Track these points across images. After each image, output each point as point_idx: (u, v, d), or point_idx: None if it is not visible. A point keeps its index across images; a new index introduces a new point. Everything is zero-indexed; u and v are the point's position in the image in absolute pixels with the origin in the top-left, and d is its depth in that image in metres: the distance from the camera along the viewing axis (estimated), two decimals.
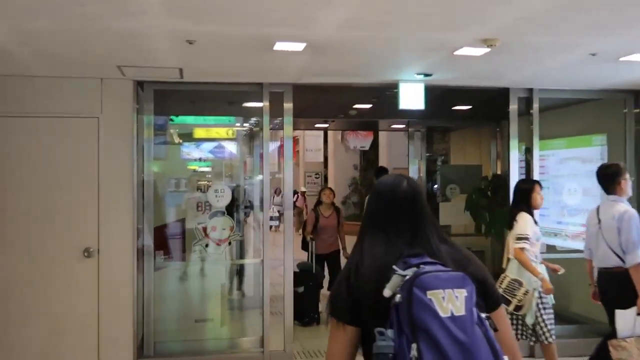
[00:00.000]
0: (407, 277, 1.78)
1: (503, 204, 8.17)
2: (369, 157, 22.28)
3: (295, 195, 21.41)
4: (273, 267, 6.50)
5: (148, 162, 6.20)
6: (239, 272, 7.78)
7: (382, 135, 18.12)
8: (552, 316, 5.30)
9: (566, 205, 7.33)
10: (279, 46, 4.66)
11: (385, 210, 2.07)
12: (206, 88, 6.28)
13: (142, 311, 6.16)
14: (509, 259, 5.40)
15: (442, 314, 1.71)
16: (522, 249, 5.15)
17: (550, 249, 7.04)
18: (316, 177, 25.68)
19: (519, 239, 5.18)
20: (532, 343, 5.58)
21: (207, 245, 6.39)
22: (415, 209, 2.06)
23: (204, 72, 5.82)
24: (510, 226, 5.40)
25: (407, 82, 6.17)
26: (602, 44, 4.73)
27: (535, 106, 6.64)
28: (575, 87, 6.64)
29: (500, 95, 7.19)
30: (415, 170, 9.85)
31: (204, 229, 6.37)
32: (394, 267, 1.84)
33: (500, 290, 5.28)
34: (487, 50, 4.79)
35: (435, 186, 10.87)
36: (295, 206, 21.32)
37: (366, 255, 2.01)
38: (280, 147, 18.97)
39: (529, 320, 5.21)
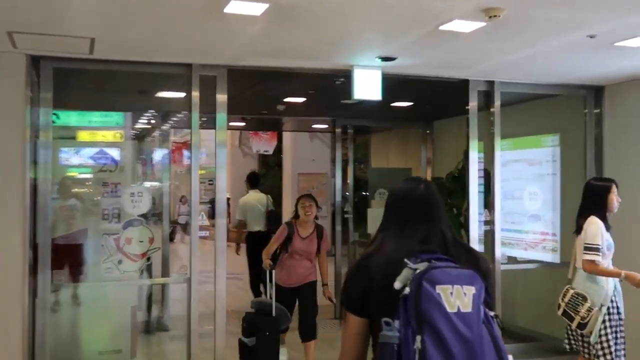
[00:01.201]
0: (418, 270, 1.82)
1: (447, 209, 7.54)
2: (269, 162, 21.33)
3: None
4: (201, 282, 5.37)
5: (45, 164, 4.95)
6: (157, 292, 6.57)
7: (287, 139, 17.20)
8: (617, 332, 4.50)
9: (517, 212, 6.75)
10: (233, 7, 3.63)
11: (402, 210, 2.12)
12: (119, 68, 5.09)
13: (33, 343, 4.87)
14: (575, 269, 4.67)
15: (448, 309, 1.75)
16: (592, 261, 4.40)
17: (511, 260, 6.44)
18: (209, 184, 24.30)
19: (588, 249, 4.42)
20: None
21: (120, 262, 5.19)
22: (432, 210, 2.10)
23: (122, 47, 4.68)
24: (578, 232, 4.65)
25: (363, 68, 5.31)
26: (604, 25, 4.10)
27: (497, 100, 5.98)
28: (538, 81, 6.06)
29: (444, 91, 6.56)
30: (340, 175, 8.98)
31: (116, 242, 5.17)
32: (406, 260, 1.88)
33: (562, 305, 4.54)
34: (479, 25, 4.01)
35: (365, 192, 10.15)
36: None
37: (380, 249, 2.08)
38: (173, 152, 17.57)
39: (593, 340, 4.44)
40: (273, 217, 8.97)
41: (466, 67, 5.48)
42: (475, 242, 5.93)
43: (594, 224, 4.51)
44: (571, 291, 4.55)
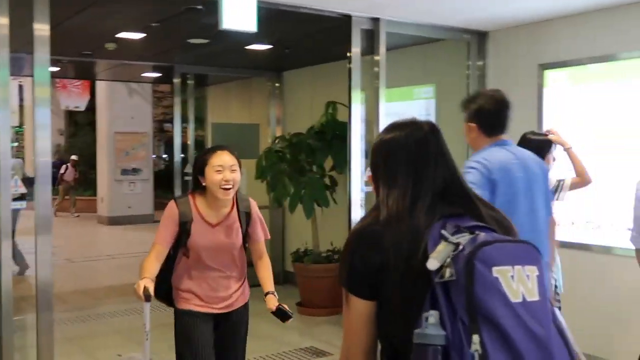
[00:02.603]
0: (462, 246, 1.40)
1: (309, 169, 6.66)
2: (78, 119, 19.06)
3: (64, 166, 17.05)
4: None
5: None
6: None
7: (101, 94, 15.27)
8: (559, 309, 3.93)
9: None
10: None
11: (410, 164, 1.63)
12: None
13: None
14: None
15: (512, 299, 1.35)
16: None
17: None
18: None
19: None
20: None
21: None
22: (446, 160, 1.66)
23: None
24: None
25: None
26: None
27: (383, 43, 5.11)
28: (423, 21, 5.30)
29: (317, 32, 5.65)
30: (179, 133, 7.70)
31: None
32: (443, 232, 1.46)
33: None
34: None
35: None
36: (61, 181, 16.95)
37: (389, 212, 1.59)
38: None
39: None
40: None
41: None
42: (358, 207, 5.10)
43: None
44: None
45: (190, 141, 7.97)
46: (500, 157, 2.84)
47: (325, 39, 6.08)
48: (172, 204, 3.17)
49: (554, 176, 3.88)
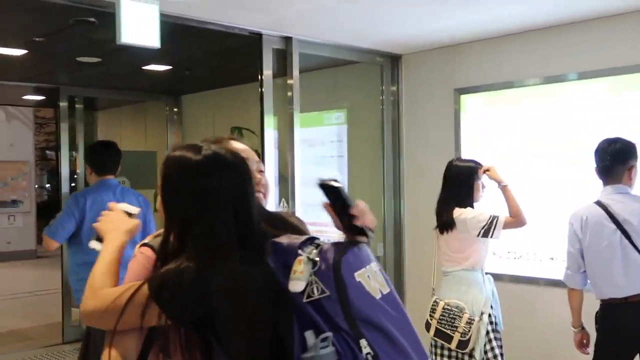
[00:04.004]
0: (318, 260, 1.42)
1: None
2: None
3: None
4: None
5: None
6: None
7: None
8: (502, 348, 3.61)
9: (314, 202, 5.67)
10: None
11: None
12: None
13: None
14: (440, 275, 3.69)
15: (376, 297, 1.43)
16: None
17: None
18: None
19: (490, 224, 3.51)
20: None
21: None
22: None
23: None
24: (445, 227, 3.68)
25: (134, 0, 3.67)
26: None
27: (296, 63, 4.76)
28: (338, 42, 5.01)
29: (223, 51, 5.27)
30: (66, 162, 6.97)
31: None
32: (300, 252, 1.43)
33: (434, 323, 3.38)
34: None
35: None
36: None
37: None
38: None
39: (479, 358, 3.42)
40: None
41: (260, 12, 4.15)
42: None
43: (463, 212, 3.59)
44: (441, 303, 3.56)
45: (80, 170, 7.24)
46: None
47: (230, 60, 5.68)
48: (142, 255, 1.65)
49: (486, 210, 3.64)
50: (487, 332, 3.49)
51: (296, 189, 4.75)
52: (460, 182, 3.68)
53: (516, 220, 3.58)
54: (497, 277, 4.20)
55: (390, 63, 5.52)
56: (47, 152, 17.61)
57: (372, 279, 1.44)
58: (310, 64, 5.33)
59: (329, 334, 1.38)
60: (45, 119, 15.66)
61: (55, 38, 4.62)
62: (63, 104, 6.84)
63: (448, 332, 3.46)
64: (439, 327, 3.51)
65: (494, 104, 4.95)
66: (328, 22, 4.42)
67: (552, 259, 4.59)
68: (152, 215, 4.35)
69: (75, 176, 7.41)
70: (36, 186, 15.71)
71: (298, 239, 1.48)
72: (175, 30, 4.30)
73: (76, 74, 6.19)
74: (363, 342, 1.38)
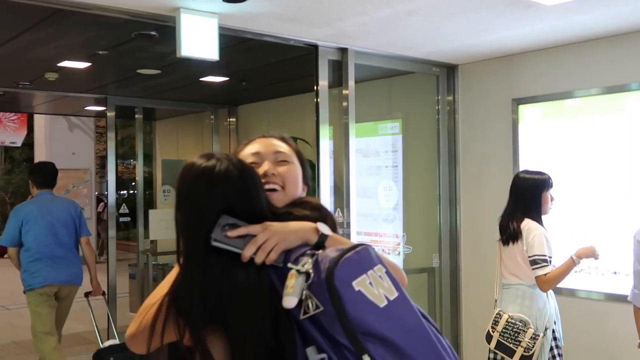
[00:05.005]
0: (312, 273, 1.31)
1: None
2: (15, 155, 18.13)
3: (102, 204, 15.38)
4: None
5: None
6: None
7: (39, 128, 14.52)
8: None
9: (370, 212, 5.67)
10: None
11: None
12: None
13: None
14: (501, 287, 3.65)
15: (380, 305, 1.29)
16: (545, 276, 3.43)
17: None
18: None
19: (536, 262, 3.39)
20: None
21: None
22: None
23: None
24: (510, 239, 3.63)
25: (194, 13, 3.75)
26: None
27: (351, 73, 4.78)
28: (394, 53, 5.00)
29: (279, 63, 5.31)
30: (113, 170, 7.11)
31: None
32: (290, 264, 1.35)
33: (495, 335, 3.35)
34: None
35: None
36: (101, 220, 15.29)
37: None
38: None
39: None
40: None
41: (317, 26, 4.19)
42: None
43: (534, 230, 3.52)
44: (505, 316, 3.51)
45: (139, 177, 7.42)
46: None
47: (286, 71, 5.73)
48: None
49: (548, 248, 3.56)
50: (551, 348, 3.43)
51: (351, 198, 4.75)
52: (528, 195, 3.64)
53: (549, 284, 3.51)
54: (557, 291, 4.13)
55: (447, 73, 5.48)
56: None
57: (375, 285, 1.31)
58: (365, 74, 5.34)
59: (321, 356, 1.30)
60: (105, 127, 16.11)
61: (118, 51, 4.76)
62: (110, 114, 6.97)
63: (511, 345, 3.41)
64: (501, 339, 3.45)
65: (552, 114, 4.85)
66: (385, 33, 4.42)
67: (616, 273, 4.46)
68: (84, 219, 5.56)
69: (134, 183, 7.59)
70: (96, 193, 16.14)
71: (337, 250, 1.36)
72: (232, 42, 4.39)
73: (136, 85, 6.35)
74: (365, 358, 1.27)
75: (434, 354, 1.30)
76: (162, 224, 7.08)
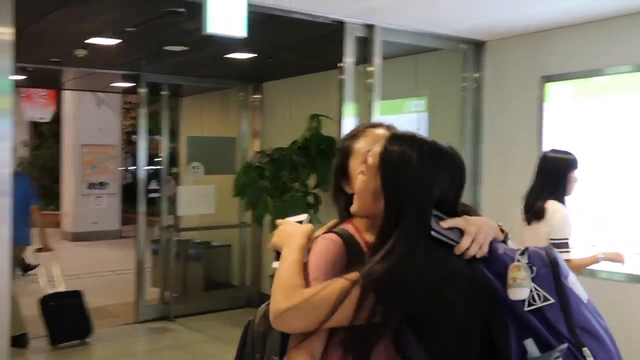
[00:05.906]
0: (534, 265, 1.35)
1: (291, 186, 6.28)
2: (43, 130, 18.33)
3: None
4: None
5: None
6: None
7: (67, 104, 14.68)
8: None
9: None
10: None
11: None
12: None
13: None
14: None
15: (584, 301, 1.38)
16: (568, 261, 3.25)
17: None
18: None
19: (557, 245, 3.33)
20: None
21: None
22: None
23: None
24: (535, 217, 3.59)
25: None
26: None
27: (378, 51, 4.77)
28: (421, 29, 4.97)
29: (305, 41, 5.30)
30: (144, 146, 7.19)
31: None
32: (518, 257, 1.37)
33: None
34: None
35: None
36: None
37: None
38: None
39: None
40: None
41: (345, 2, 4.17)
42: None
43: (559, 211, 3.51)
44: None
45: (164, 154, 7.50)
46: None
47: (312, 48, 5.72)
48: (330, 240, 1.58)
49: (570, 228, 3.55)
50: None
51: None
52: (555, 174, 3.61)
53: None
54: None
55: (474, 50, 5.42)
56: (133, 136, 18.31)
57: (577, 284, 1.41)
58: (390, 51, 5.32)
59: (565, 345, 1.32)
60: (132, 104, 16.24)
61: (146, 28, 4.79)
62: (142, 90, 7.02)
63: None
64: None
65: (582, 92, 4.79)
66: (413, 9, 4.40)
67: (639, 254, 4.43)
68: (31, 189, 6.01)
69: (157, 159, 7.66)
70: (122, 169, 16.34)
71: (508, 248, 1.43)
72: (259, 19, 4.39)
73: (162, 62, 6.39)
74: (586, 352, 1.33)
75: (616, 353, 1.39)
76: (191, 200, 7.19)
